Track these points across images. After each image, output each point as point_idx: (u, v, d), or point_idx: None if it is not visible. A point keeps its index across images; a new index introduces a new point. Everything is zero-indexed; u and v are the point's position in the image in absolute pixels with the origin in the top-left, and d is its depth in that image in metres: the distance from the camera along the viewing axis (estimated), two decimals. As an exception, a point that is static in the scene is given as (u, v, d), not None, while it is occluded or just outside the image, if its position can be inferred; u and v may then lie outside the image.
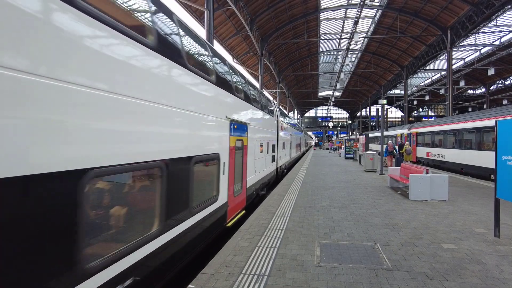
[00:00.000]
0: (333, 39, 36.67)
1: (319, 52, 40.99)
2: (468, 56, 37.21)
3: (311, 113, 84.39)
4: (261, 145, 8.77)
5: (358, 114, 71.89)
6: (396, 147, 17.43)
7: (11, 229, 1.56)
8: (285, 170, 16.00)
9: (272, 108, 11.68)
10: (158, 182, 3.04)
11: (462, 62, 38.43)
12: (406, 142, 19.87)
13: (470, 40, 31.07)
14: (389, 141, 19.36)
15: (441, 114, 66.54)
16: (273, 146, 11.26)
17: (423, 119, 63.36)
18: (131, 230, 2.65)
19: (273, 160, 11.31)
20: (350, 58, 42.11)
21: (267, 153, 9.88)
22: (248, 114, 7.13)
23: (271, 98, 13.34)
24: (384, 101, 14.83)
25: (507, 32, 28.63)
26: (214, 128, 4.70)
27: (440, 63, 38.37)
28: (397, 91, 56.69)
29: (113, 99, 2.33)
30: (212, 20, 15.00)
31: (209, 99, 4.59)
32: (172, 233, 3.26)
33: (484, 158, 13.02)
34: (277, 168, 12.54)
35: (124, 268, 2.43)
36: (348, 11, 29.32)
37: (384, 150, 14.47)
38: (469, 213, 6.57)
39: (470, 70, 36.06)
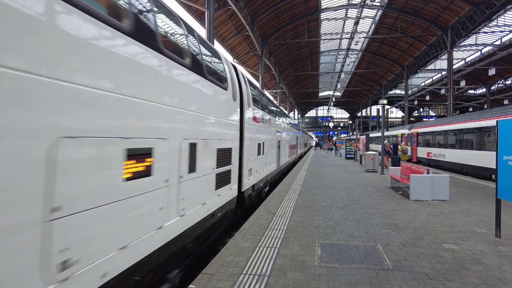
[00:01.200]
0: (333, 39, 36.68)
1: (320, 52, 40.99)
2: (468, 56, 37.18)
3: (311, 113, 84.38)
4: (152, 156, 2.97)
5: (359, 114, 71.87)
6: (392, 147, 17.78)
7: None
8: (266, 189, 9.89)
9: (223, 72, 5.54)
10: None
11: (462, 62, 38.39)
12: (402, 142, 20.42)
13: (470, 40, 31.06)
14: (385, 141, 19.61)
15: (442, 114, 66.48)
16: (228, 152, 5.44)
17: (424, 119, 63.32)
18: None
19: (226, 182, 5.37)
20: (351, 58, 42.08)
21: (192, 171, 3.92)
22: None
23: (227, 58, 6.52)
24: (385, 101, 14.83)
25: (507, 32, 28.61)
26: None
27: (441, 63, 38.36)
28: (398, 91, 56.68)
29: None
30: (212, 20, 15.03)
31: None
32: None
33: (485, 158, 13.00)
34: (241, 192, 6.49)
35: None
36: (348, 11, 29.34)
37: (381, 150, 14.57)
38: (470, 213, 6.56)
39: (470, 70, 36.02)
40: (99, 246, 2.21)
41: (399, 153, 16.61)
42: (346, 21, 31.70)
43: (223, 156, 5.12)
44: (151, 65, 2.97)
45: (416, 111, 66.52)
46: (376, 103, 52.26)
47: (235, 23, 23.11)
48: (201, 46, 4.80)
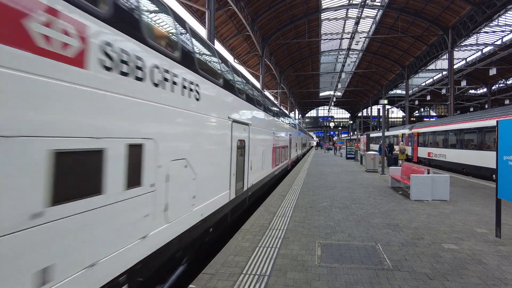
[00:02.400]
0: (334, 39, 36.65)
1: (320, 52, 40.97)
2: (469, 56, 37.08)
3: (312, 113, 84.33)
4: None
5: (360, 114, 71.83)
6: (388, 146, 18.17)
7: None
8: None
9: None
10: None
11: (463, 62, 38.31)
12: (401, 142, 21.01)
13: (471, 40, 30.99)
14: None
15: (442, 114, 66.38)
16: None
17: (425, 119, 63.23)
18: None
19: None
20: (351, 58, 42.00)
21: None
22: None
23: None
24: (385, 101, 14.81)
25: (508, 32, 28.54)
26: None
27: (442, 63, 38.29)
28: (399, 91, 56.65)
29: None
30: (213, 20, 15.02)
31: None
32: None
33: (485, 158, 12.98)
34: None
35: None
36: (349, 11, 29.32)
37: (378, 149, 14.65)
38: (471, 213, 6.56)
39: (471, 70, 35.95)
40: None
41: (396, 152, 16.82)
42: (346, 21, 31.67)
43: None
44: None
45: (417, 111, 66.44)
46: (376, 103, 52.22)
47: (236, 23, 23.10)
48: None
